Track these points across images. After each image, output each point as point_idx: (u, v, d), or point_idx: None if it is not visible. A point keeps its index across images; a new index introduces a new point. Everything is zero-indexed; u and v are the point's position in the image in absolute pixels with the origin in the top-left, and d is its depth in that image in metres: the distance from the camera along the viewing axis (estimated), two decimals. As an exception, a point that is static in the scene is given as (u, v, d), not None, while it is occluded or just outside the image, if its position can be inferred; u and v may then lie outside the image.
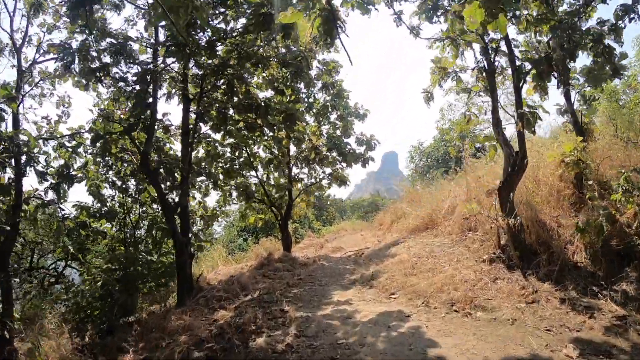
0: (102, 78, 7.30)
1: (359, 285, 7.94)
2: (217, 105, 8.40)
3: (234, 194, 13.97)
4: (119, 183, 13.45)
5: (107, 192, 13.52)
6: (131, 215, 14.75)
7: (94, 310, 7.59)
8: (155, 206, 14.70)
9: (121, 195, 14.11)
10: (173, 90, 9.78)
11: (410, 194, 16.07)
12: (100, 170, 13.14)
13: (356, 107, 14.00)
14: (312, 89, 14.02)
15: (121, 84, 7.70)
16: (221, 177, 12.17)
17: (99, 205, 13.11)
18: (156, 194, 8.68)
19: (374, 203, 43.61)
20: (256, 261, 14.77)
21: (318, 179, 13.99)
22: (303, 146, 13.25)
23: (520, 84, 7.24)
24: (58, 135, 10.46)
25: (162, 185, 8.37)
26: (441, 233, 9.62)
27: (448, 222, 9.78)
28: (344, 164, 13.05)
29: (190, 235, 8.71)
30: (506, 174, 7.08)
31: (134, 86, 7.48)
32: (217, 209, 14.38)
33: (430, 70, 9.00)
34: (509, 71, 8.80)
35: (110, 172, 13.12)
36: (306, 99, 13.92)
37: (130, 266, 7.46)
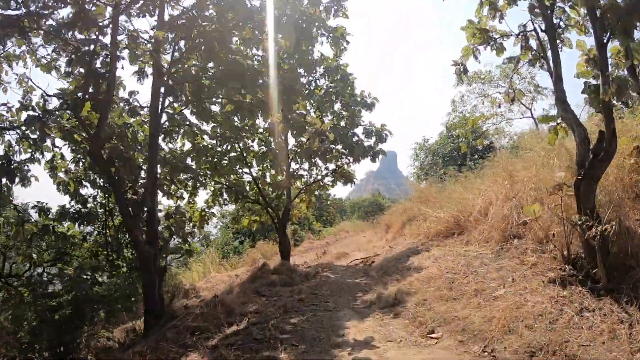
0: (27, 31, 5.21)
1: (378, 312, 5.85)
2: (191, 73, 6.31)
3: (225, 193, 11.93)
4: (100, 182, 11.52)
5: (88, 191, 11.64)
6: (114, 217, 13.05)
7: (28, 347, 5.50)
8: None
9: (103, 195, 12.31)
10: (146, 67, 7.69)
11: (422, 193, 14.01)
12: (78, 165, 11.19)
13: (362, 95, 11.95)
14: (313, 75, 11.99)
15: (59, 43, 5.59)
16: (208, 173, 10.11)
17: (79, 206, 11.21)
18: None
19: (375, 203, 41.54)
20: (249, 271, 12.74)
21: (320, 176, 11.89)
22: (303, 138, 11.18)
23: (606, 40, 5.16)
24: (20, 125, 8.39)
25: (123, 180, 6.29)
26: (475, 240, 7.55)
27: (482, 226, 7.72)
28: (351, 159, 10.97)
29: (160, 247, 6.63)
30: (587, 163, 5.01)
31: (77, 45, 5.39)
32: (206, 210, 12.37)
33: (467, 35, 6.94)
34: (566, 33, 6.84)
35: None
36: (306, 86, 11.89)
37: (74, 290, 5.38)
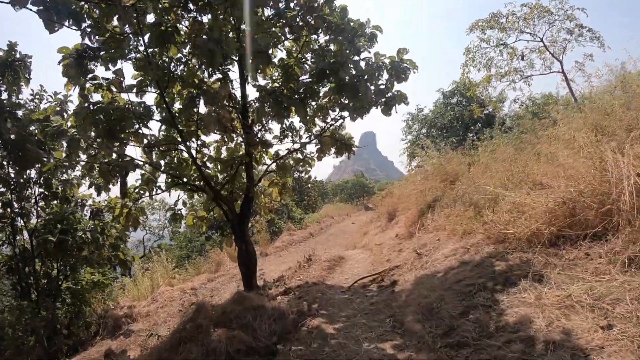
0: None
1: None
2: None
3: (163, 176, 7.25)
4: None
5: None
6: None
7: None
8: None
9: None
10: None
11: (441, 168, 9.57)
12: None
13: (357, 23, 7.20)
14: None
15: None
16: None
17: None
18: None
19: (359, 184, 37.19)
20: (213, 279, 8.34)
21: (299, 143, 7.11)
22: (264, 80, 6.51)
23: None
24: None
25: None
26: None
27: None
28: (349, 110, 6.30)
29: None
30: None
31: None
32: (130, 204, 7.72)
33: None
34: None
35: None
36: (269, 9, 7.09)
37: None
